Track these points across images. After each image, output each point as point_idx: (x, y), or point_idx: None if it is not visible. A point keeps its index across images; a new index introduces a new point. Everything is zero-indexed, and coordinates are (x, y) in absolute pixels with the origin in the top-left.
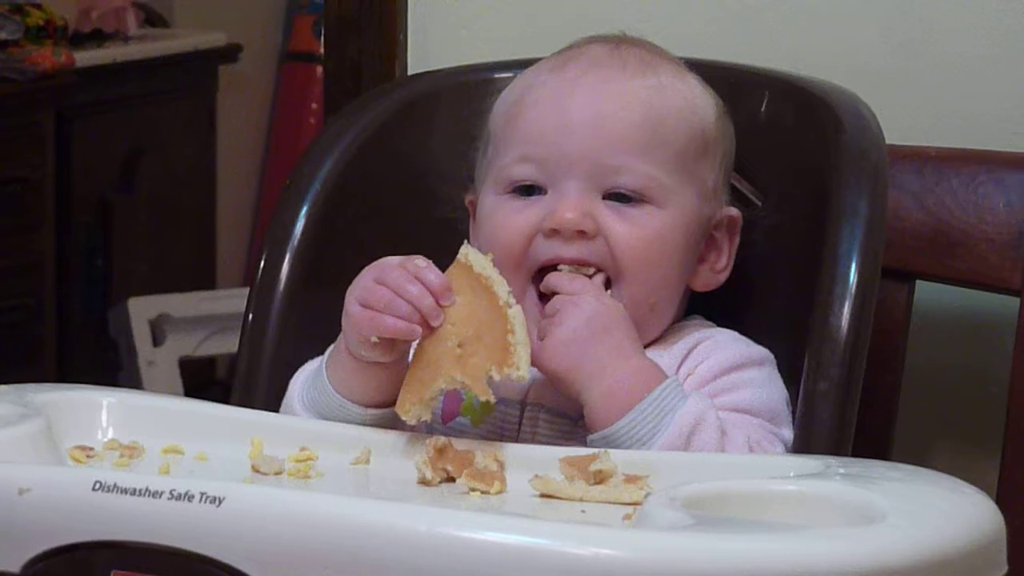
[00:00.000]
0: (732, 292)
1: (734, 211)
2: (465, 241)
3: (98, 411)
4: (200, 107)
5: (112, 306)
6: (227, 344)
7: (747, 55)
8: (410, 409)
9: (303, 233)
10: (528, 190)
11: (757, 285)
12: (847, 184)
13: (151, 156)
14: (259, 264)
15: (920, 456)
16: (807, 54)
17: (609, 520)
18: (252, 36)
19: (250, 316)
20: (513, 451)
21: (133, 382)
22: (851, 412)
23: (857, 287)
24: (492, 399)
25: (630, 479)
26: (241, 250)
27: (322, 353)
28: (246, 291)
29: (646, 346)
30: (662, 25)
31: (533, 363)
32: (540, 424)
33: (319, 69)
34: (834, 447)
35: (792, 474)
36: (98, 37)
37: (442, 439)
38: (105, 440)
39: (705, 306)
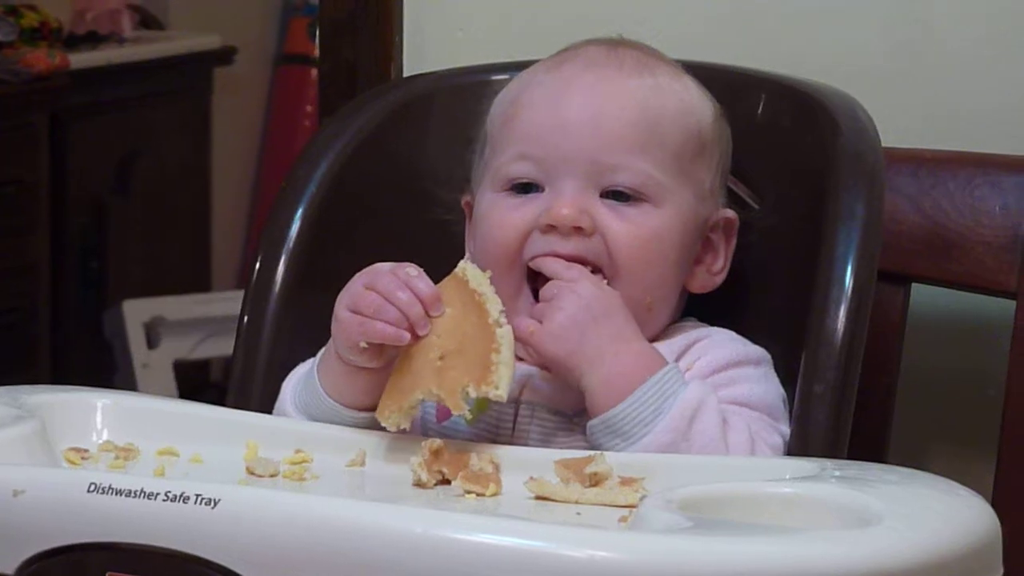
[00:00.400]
0: (729, 294)
1: (730, 213)
2: (466, 257)
3: (93, 413)
4: (195, 109)
5: (107, 308)
6: (222, 347)
7: (744, 57)
8: (389, 416)
9: (298, 235)
10: (525, 188)
11: (753, 287)
12: (844, 187)
13: (146, 158)
14: (254, 266)
15: (916, 459)
16: (804, 56)
17: (605, 522)
18: (247, 38)
19: (245, 318)
20: (508, 453)
21: (128, 385)
22: (847, 414)
23: (853, 290)
24: (468, 415)
25: (626, 481)
26: (236, 252)
27: (316, 355)
28: (241, 294)
29: None
30: (660, 27)
31: (532, 345)
32: (534, 422)
33: (314, 71)
34: (830, 449)
35: (788, 476)
36: (93, 39)
37: (437, 441)
38: (100, 442)
39: (702, 308)
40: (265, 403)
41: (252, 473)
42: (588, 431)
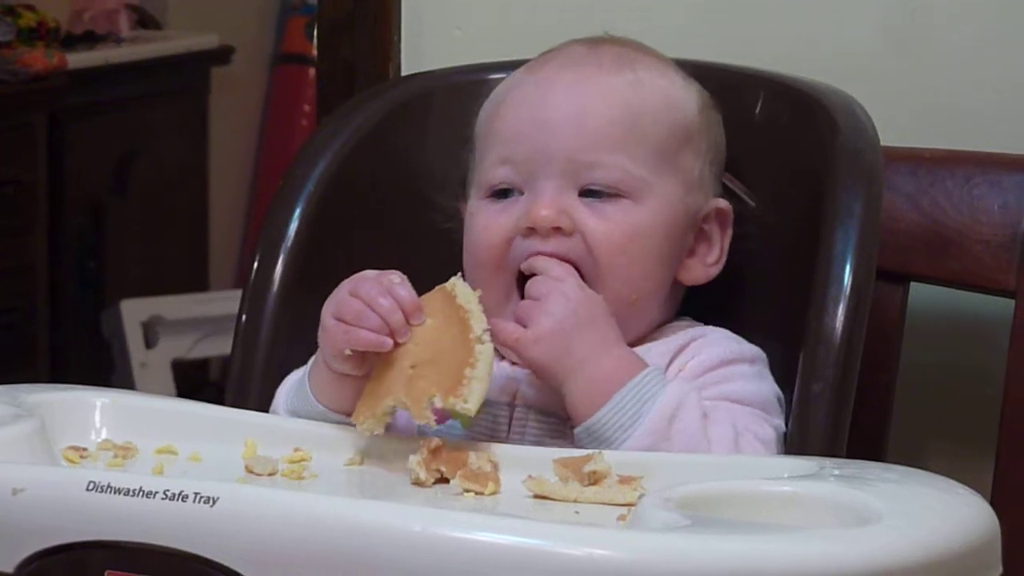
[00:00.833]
0: (726, 293)
1: (723, 203)
2: (459, 274)
3: (92, 411)
4: (192, 109)
5: (105, 308)
6: (220, 346)
7: (742, 56)
8: (364, 422)
9: (296, 234)
10: (506, 193)
11: (751, 286)
12: (842, 185)
13: (144, 158)
14: (252, 265)
15: (915, 457)
16: (802, 55)
17: (603, 521)
18: (244, 38)
19: (243, 317)
20: (507, 452)
21: (126, 384)
22: (845, 413)
23: (852, 289)
24: (432, 423)
25: (624, 480)
26: (234, 252)
27: (314, 354)
28: (239, 293)
29: (635, 343)
30: (657, 25)
31: (517, 350)
32: (529, 424)
33: (311, 71)
34: (829, 448)
35: (786, 475)
36: (90, 39)
37: (436, 440)
38: (99, 440)
39: (698, 306)
40: (263, 402)
41: (251, 472)
42: (575, 438)
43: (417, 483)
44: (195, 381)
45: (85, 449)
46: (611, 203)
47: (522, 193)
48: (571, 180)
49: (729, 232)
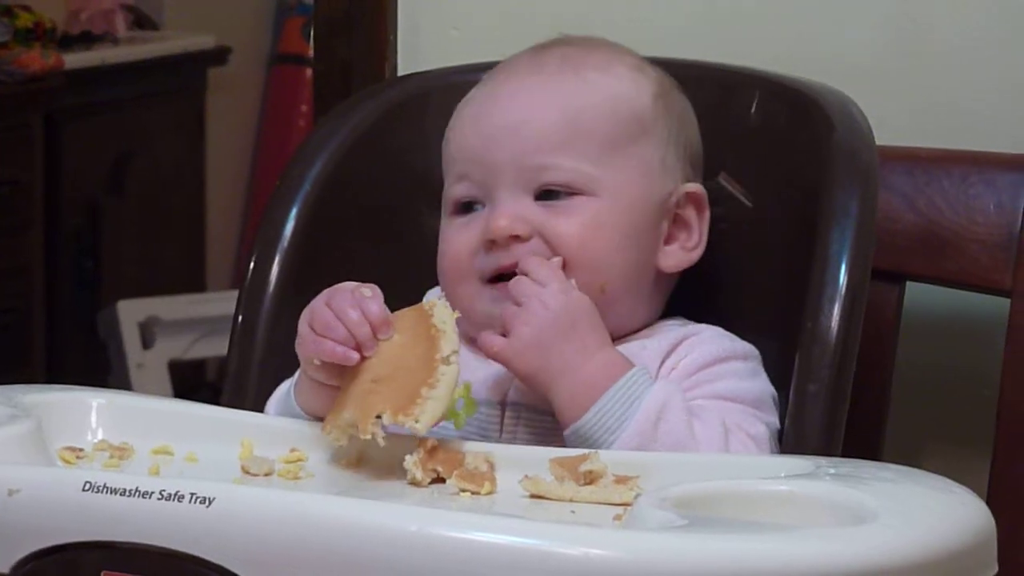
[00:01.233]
0: (721, 292)
1: (694, 187)
2: (440, 295)
3: (88, 412)
4: (189, 109)
5: (101, 309)
6: (217, 347)
7: (738, 55)
8: (330, 432)
9: (293, 234)
10: (467, 207)
11: (747, 285)
12: (838, 185)
13: (140, 158)
14: (249, 265)
15: (911, 457)
16: (798, 55)
17: (599, 520)
18: (241, 38)
19: (240, 317)
20: (503, 452)
21: (123, 385)
22: (841, 413)
23: (847, 288)
24: (380, 439)
25: (620, 480)
26: (230, 252)
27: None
28: (235, 294)
29: (625, 338)
30: (651, 25)
31: (501, 362)
32: (521, 423)
33: (308, 71)
34: (824, 448)
35: (783, 474)
36: (87, 39)
37: (432, 440)
38: (95, 441)
39: (693, 305)
40: (259, 402)
41: (247, 472)
42: (565, 440)
43: (413, 483)
44: (192, 382)
45: (81, 450)
46: (568, 201)
47: (483, 206)
48: (525, 186)
49: (706, 215)
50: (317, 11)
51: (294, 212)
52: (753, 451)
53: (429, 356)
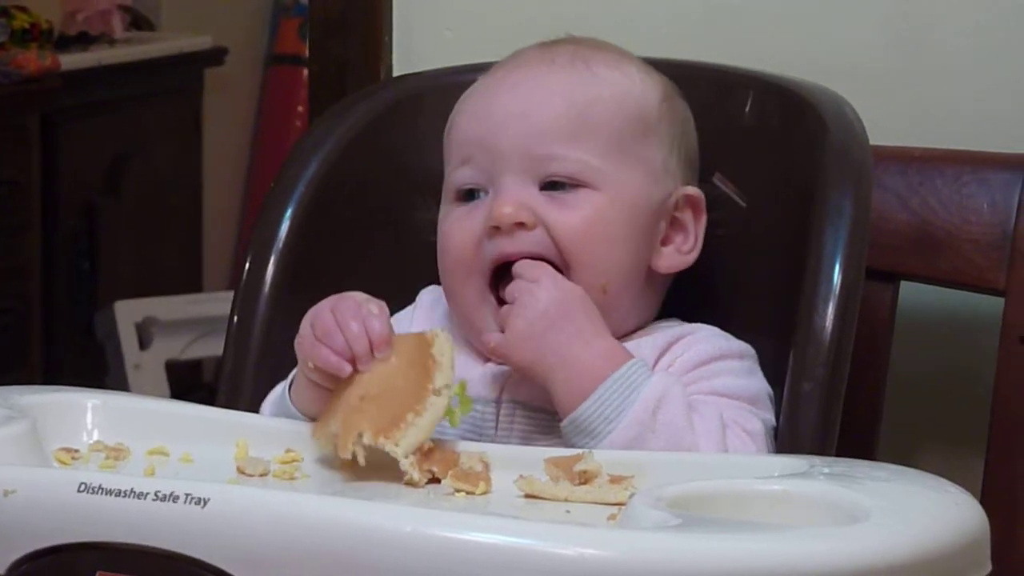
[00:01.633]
0: (715, 292)
1: (692, 190)
2: (445, 328)
3: (83, 413)
4: (186, 110)
5: (98, 309)
6: (214, 347)
7: (732, 56)
8: (318, 439)
9: (288, 235)
10: (471, 194)
11: (742, 285)
12: (831, 185)
13: (137, 159)
14: (244, 266)
15: (905, 456)
16: (792, 55)
17: (594, 520)
18: (238, 39)
19: (235, 318)
20: (498, 452)
21: (120, 385)
22: (835, 412)
23: (841, 288)
24: (361, 459)
25: (615, 479)
26: (227, 253)
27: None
28: (232, 294)
29: (620, 338)
30: (646, 25)
31: (499, 356)
32: (516, 420)
33: (305, 72)
34: (819, 447)
35: (777, 474)
36: (84, 40)
37: (428, 440)
38: (90, 442)
39: (689, 305)
40: (255, 403)
41: (242, 472)
42: (562, 431)
43: (409, 483)
44: (189, 382)
45: (77, 451)
46: (572, 193)
47: (487, 193)
48: (530, 175)
49: (703, 218)
50: (312, 12)
51: (289, 213)
52: (750, 446)
53: (421, 384)
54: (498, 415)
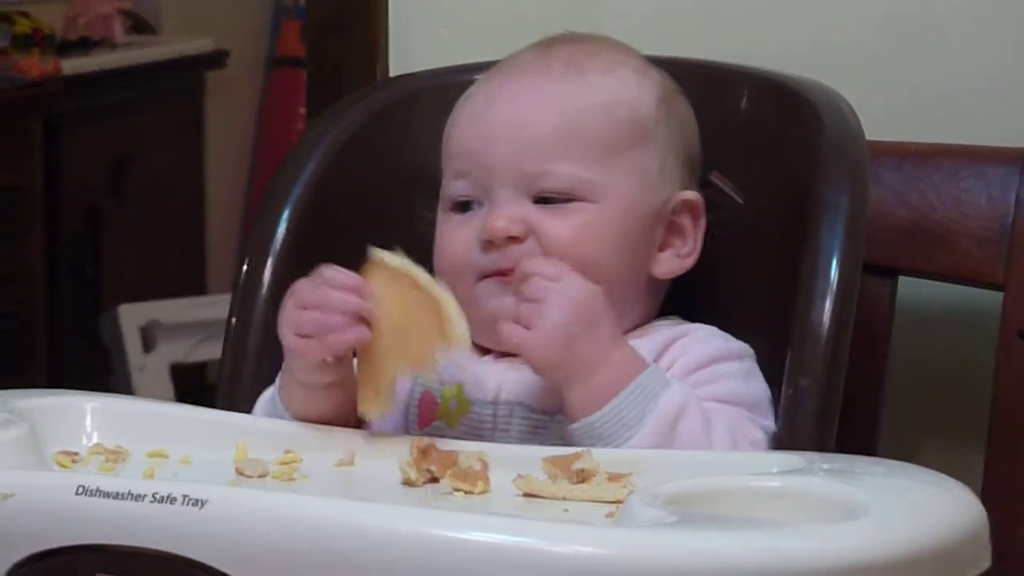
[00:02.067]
0: (713, 290)
1: (691, 194)
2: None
3: (82, 416)
4: (188, 113)
5: (102, 313)
6: (218, 350)
7: (727, 52)
8: (372, 406)
9: (284, 237)
10: (466, 205)
11: (738, 282)
12: (827, 180)
13: (139, 162)
14: (241, 268)
15: (905, 451)
16: (786, 51)
17: (592, 518)
18: (239, 41)
19: (233, 320)
20: (496, 451)
21: (124, 389)
22: (834, 408)
23: (839, 283)
24: (434, 381)
25: (613, 477)
26: (230, 255)
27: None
28: None
29: None
30: (642, 22)
31: (521, 352)
32: (514, 420)
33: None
34: (817, 443)
35: (775, 470)
36: (85, 45)
37: (426, 440)
38: (90, 445)
39: (685, 304)
40: (254, 404)
41: (241, 474)
42: (569, 434)
43: (408, 483)
44: (193, 385)
45: (76, 454)
46: (566, 206)
47: (482, 205)
48: (524, 189)
49: (702, 223)
50: (309, 13)
51: (286, 214)
52: None
53: (413, 284)
54: (495, 415)
